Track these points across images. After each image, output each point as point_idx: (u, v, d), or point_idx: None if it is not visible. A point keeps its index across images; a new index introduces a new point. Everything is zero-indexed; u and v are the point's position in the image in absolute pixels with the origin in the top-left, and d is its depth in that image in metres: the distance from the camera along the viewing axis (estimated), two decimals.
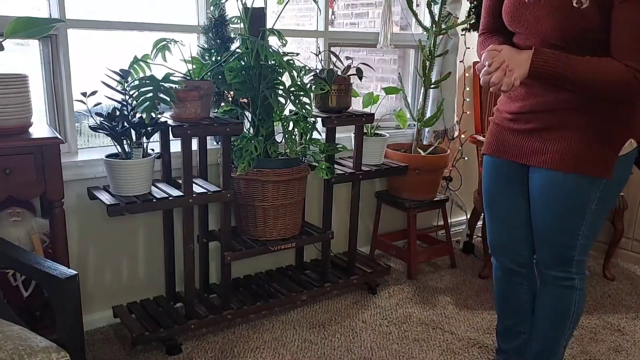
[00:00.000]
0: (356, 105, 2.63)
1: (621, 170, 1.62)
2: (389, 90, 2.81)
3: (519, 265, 1.87)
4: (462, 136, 3.22)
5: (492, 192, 1.84)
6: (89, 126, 1.99)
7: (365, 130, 2.65)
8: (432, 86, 2.88)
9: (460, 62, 3.07)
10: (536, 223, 1.74)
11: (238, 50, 2.18)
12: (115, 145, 2.01)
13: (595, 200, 1.63)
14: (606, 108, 1.55)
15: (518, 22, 1.61)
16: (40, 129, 1.84)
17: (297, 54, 2.23)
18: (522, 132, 1.68)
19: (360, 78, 2.47)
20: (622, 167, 1.61)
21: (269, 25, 2.23)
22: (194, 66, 2.20)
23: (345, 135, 2.75)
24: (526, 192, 1.75)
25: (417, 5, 3.02)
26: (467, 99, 3.21)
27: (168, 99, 1.90)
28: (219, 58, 2.21)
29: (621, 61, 1.44)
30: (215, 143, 2.45)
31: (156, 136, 2.12)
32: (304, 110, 2.22)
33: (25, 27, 1.65)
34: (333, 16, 4.22)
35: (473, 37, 3.04)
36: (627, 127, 1.58)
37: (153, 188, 2.08)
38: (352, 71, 2.46)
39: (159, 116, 2.02)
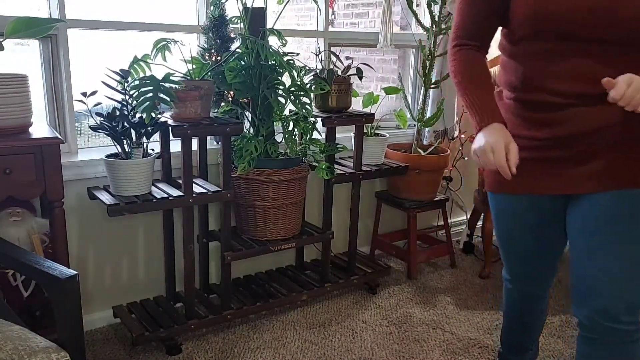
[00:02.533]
0: (356, 105, 2.63)
1: None
2: (389, 90, 2.81)
3: (543, 290, 1.70)
4: (462, 136, 3.22)
5: (514, 232, 1.60)
6: (89, 126, 1.99)
7: (365, 130, 2.65)
8: (432, 86, 2.88)
9: None
10: (597, 264, 1.38)
11: (238, 50, 2.18)
12: (115, 145, 2.01)
13: None
14: None
15: (571, 23, 1.29)
16: (40, 128, 1.84)
17: (297, 54, 2.23)
18: (563, 159, 1.39)
19: (360, 78, 2.48)
20: None
21: (269, 25, 2.23)
22: (194, 66, 2.20)
23: (345, 135, 2.75)
24: (562, 227, 1.51)
25: (417, 5, 3.02)
26: None
27: (168, 99, 1.90)
28: (219, 58, 2.21)
29: None
30: (215, 143, 2.45)
31: (156, 136, 2.12)
32: (304, 110, 2.22)
33: (25, 27, 1.65)
34: (333, 16, 4.22)
35: None
36: None
37: (153, 188, 2.08)
38: (352, 71, 2.46)
39: (159, 116, 2.02)
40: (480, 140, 1.36)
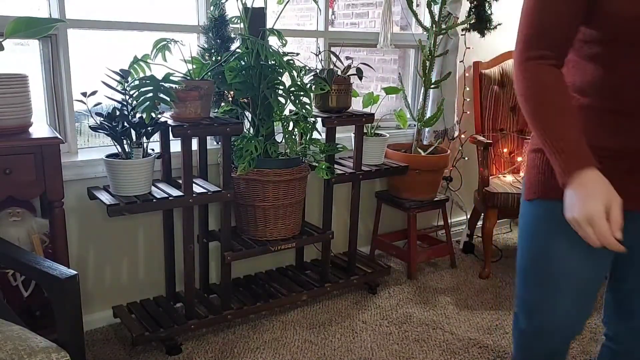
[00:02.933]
0: (356, 105, 2.63)
1: None
2: (389, 90, 2.81)
3: (568, 343, 1.41)
4: (462, 136, 3.22)
5: (556, 251, 1.27)
6: (89, 126, 1.99)
7: (365, 130, 2.65)
8: (432, 86, 2.88)
9: (460, 62, 3.07)
10: None
11: (238, 50, 2.18)
12: (115, 145, 2.01)
13: None
14: None
15: None
16: (40, 129, 1.84)
17: (297, 54, 2.23)
18: (625, 172, 1.19)
19: (360, 78, 2.48)
20: None
21: (269, 25, 2.23)
22: (194, 66, 2.20)
23: (345, 135, 2.75)
24: (610, 254, 1.23)
25: (417, 5, 3.02)
26: (467, 99, 3.21)
27: (168, 99, 1.90)
28: (219, 58, 2.21)
29: None
30: (215, 143, 2.45)
31: (156, 136, 2.12)
32: (304, 110, 2.22)
33: (25, 27, 1.65)
34: (333, 16, 4.23)
35: (473, 37, 3.04)
36: None
37: (153, 188, 2.08)
38: (352, 71, 2.46)
39: (159, 116, 2.02)
40: (573, 206, 1.09)
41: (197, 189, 2.12)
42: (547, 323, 1.33)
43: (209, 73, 2.18)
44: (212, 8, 2.25)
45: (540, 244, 1.29)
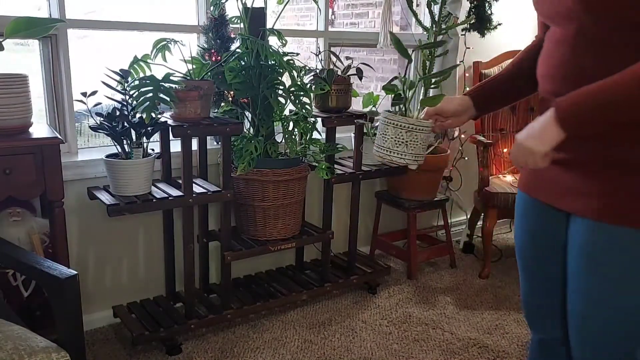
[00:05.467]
0: (356, 105, 2.63)
1: None
2: (388, 90, 2.80)
3: (558, 329, 1.35)
4: (462, 136, 3.22)
5: (521, 241, 1.37)
6: (89, 126, 1.99)
7: (365, 130, 2.65)
8: (432, 86, 2.88)
9: (460, 62, 3.07)
10: (571, 307, 1.21)
11: (238, 50, 2.18)
12: (115, 145, 2.01)
13: None
14: None
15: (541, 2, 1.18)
16: (40, 129, 1.84)
17: (297, 54, 2.23)
18: (555, 162, 1.15)
19: (360, 78, 2.47)
20: None
21: (269, 25, 2.23)
22: (194, 66, 2.20)
23: (345, 135, 2.75)
24: (562, 249, 1.25)
25: (417, 5, 3.02)
26: None
27: (168, 99, 1.90)
28: (219, 58, 2.21)
29: None
30: (215, 143, 2.46)
31: (156, 136, 2.12)
32: (304, 110, 2.22)
33: (25, 27, 1.65)
34: (333, 16, 4.23)
35: (473, 37, 3.04)
36: None
37: (153, 188, 2.08)
38: (352, 71, 2.46)
39: (159, 116, 2.02)
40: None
41: (197, 189, 2.12)
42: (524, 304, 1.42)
43: (209, 73, 2.18)
44: (212, 8, 2.25)
45: (515, 232, 1.42)
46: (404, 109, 1.49)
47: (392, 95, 1.55)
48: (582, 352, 1.20)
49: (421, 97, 2.93)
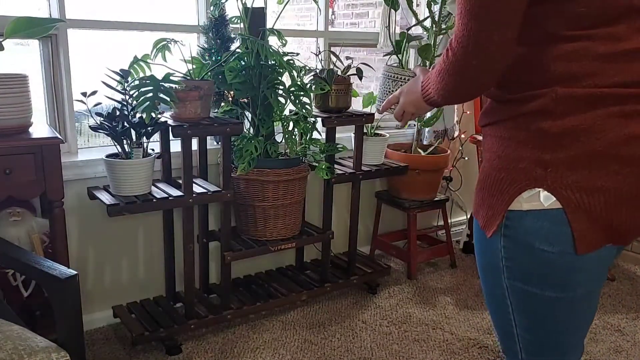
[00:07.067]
0: (356, 105, 2.63)
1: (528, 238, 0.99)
2: None
3: None
4: (462, 136, 3.22)
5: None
6: (89, 126, 1.99)
7: (365, 130, 2.65)
8: None
9: None
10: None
11: (238, 50, 2.18)
12: (115, 145, 2.01)
13: (505, 270, 1.04)
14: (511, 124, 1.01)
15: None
16: (40, 129, 1.84)
17: (297, 54, 2.23)
18: None
19: (360, 78, 2.48)
20: (527, 233, 0.99)
21: (269, 25, 2.23)
22: (194, 66, 2.20)
23: (345, 135, 2.75)
24: None
25: (417, 5, 3.02)
26: None
27: (168, 99, 1.90)
28: (219, 58, 2.21)
29: None
30: (215, 143, 2.46)
31: (156, 136, 2.12)
32: (304, 110, 2.22)
33: (25, 27, 1.65)
34: (333, 16, 4.23)
35: None
36: (530, 165, 0.97)
37: (153, 188, 2.08)
38: (352, 71, 2.46)
39: (159, 116, 2.02)
40: None
41: (197, 189, 2.12)
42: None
43: (209, 73, 2.18)
44: (212, 8, 2.25)
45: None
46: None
47: None
48: None
49: None
